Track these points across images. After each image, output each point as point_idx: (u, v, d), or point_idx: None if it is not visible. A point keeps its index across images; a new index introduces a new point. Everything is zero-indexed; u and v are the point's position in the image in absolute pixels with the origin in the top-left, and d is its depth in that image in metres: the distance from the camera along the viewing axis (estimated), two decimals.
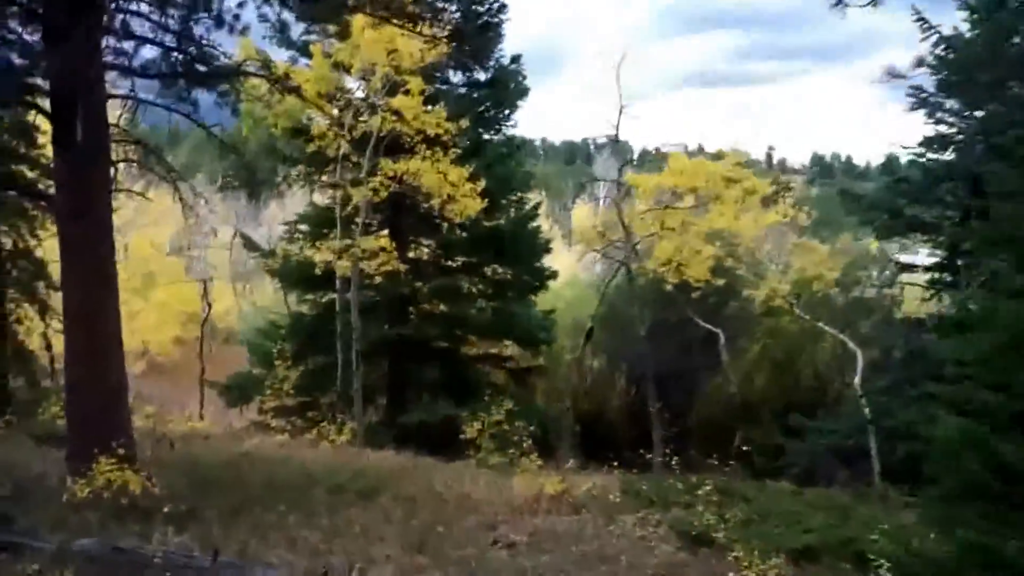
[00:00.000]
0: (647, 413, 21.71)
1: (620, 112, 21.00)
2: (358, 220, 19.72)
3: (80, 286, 11.28)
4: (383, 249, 19.59)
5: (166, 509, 9.31)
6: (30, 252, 18.40)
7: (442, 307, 22.61)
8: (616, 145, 21.66)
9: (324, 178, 22.64)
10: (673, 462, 15.67)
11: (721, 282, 21.77)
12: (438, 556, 9.31)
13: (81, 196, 11.14)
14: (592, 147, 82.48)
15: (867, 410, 16.75)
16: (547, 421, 20.42)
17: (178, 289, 43.34)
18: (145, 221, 43.72)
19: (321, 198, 24.72)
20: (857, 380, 17.49)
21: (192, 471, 11.89)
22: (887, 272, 24.37)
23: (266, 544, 8.90)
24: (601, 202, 68.21)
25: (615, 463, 16.54)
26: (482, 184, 19.24)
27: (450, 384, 22.17)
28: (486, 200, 19.53)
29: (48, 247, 18.70)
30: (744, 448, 18.77)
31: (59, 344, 25.48)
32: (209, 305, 33.84)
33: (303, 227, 23.35)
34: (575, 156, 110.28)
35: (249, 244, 26.79)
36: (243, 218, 50.91)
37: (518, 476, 13.75)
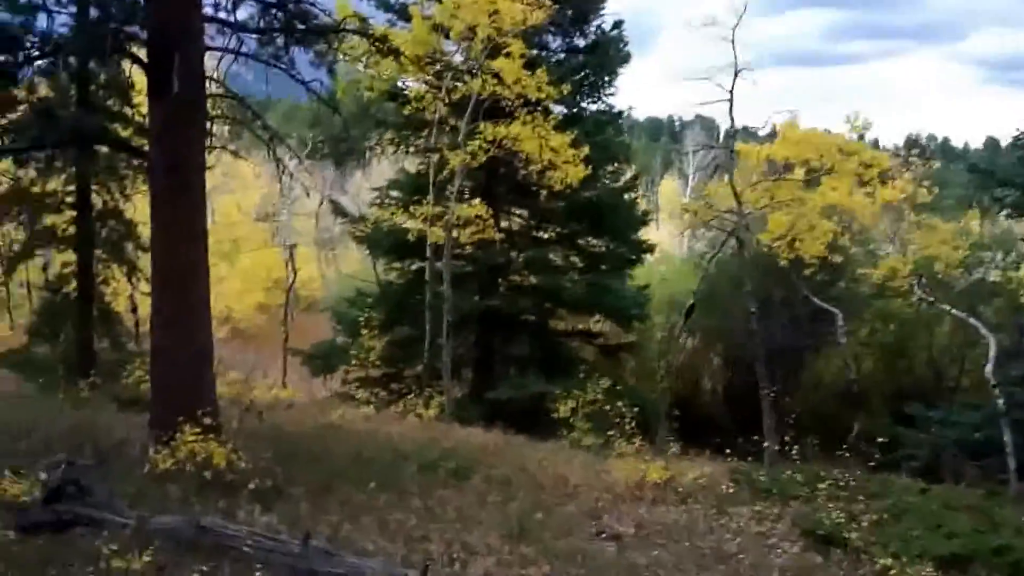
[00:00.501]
0: (746, 396, 20.48)
1: (735, 77, 19.66)
2: (452, 187, 18.94)
3: (170, 243, 10.75)
4: (479, 216, 18.77)
5: (252, 485, 8.68)
6: (120, 212, 18.11)
7: (533, 279, 21.79)
8: (729, 113, 20.23)
9: (419, 143, 21.97)
10: (787, 450, 14.49)
11: (838, 259, 20.33)
12: (540, 547, 8.46)
13: (175, 150, 10.62)
14: (678, 124, 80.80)
15: (1000, 401, 15.25)
16: (644, 402, 19.39)
17: (263, 255, 43.56)
18: (233, 186, 43.99)
19: (413, 164, 24.07)
20: (989, 368, 15.95)
21: (277, 443, 11.28)
22: (1013, 253, 22.55)
23: (357, 526, 8.19)
24: (690, 178, 66.54)
25: (715, 449, 15.52)
26: (584, 151, 18.25)
27: (539, 360, 21.35)
28: (589, 168, 18.53)
29: (138, 207, 18.50)
30: (857, 437, 17.43)
31: (144, 307, 25.68)
32: (295, 271, 33.61)
33: (394, 193, 22.72)
34: (660, 133, 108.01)
35: (338, 210, 26.39)
36: (329, 186, 50.90)
37: (615, 460, 12.88)
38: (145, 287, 20.04)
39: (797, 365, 22.91)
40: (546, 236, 22.83)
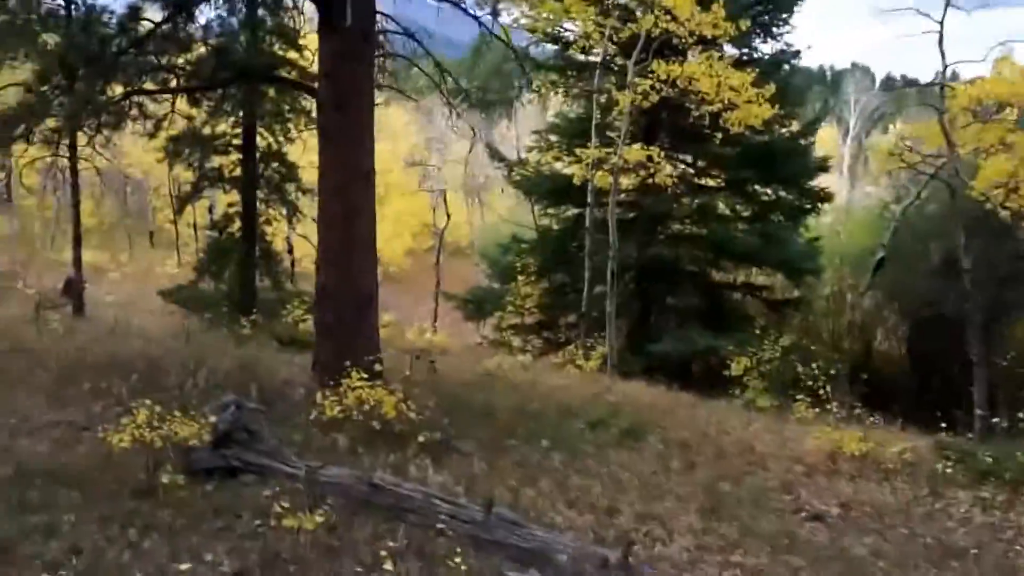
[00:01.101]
0: (934, 360, 18.62)
1: (946, 7, 17.66)
2: (618, 130, 17.81)
3: (338, 182, 10.28)
4: (650, 159, 17.58)
5: (421, 438, 8.08)
6: (283, 154, 18.04)
7: (694, 228, 20.49)
8: (939, 46, 18.16)
9: (581, 84, 20.93)
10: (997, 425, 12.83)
11: None
12: (739, 525, 7.49)
13: (345, 86, 10.14)
14: (829, 73, 76.46)
15: None
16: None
17: (413, 200, 43.73)
18: (386, 133, 44.13)
19: (570, 109, 23.06)
20: None
21: (439, 391, 10.72)
22: None
23: (538, 492, 7.44)
24: (851, 128, 62.90)
25: (896, 418, 13.96)
26: (770, 89, 16.72)
27: (701, 312, 20.15)
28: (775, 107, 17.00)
29: (299, 150, 18.37)
30: None
31: (300, 248, 25.88)
32: (448, 216, 33.38)
33: (553, 137, 21.80)
34: (812, 82, 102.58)
35: (495, 154, 25.68)
36: (479, 134, 50.57)
37: (798, 425, 11.67)
38: (303, 228, 20.08)
39: (1002, 329, 20.55)
40: (712, 184, 21.38)
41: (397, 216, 42.59)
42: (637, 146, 18.23)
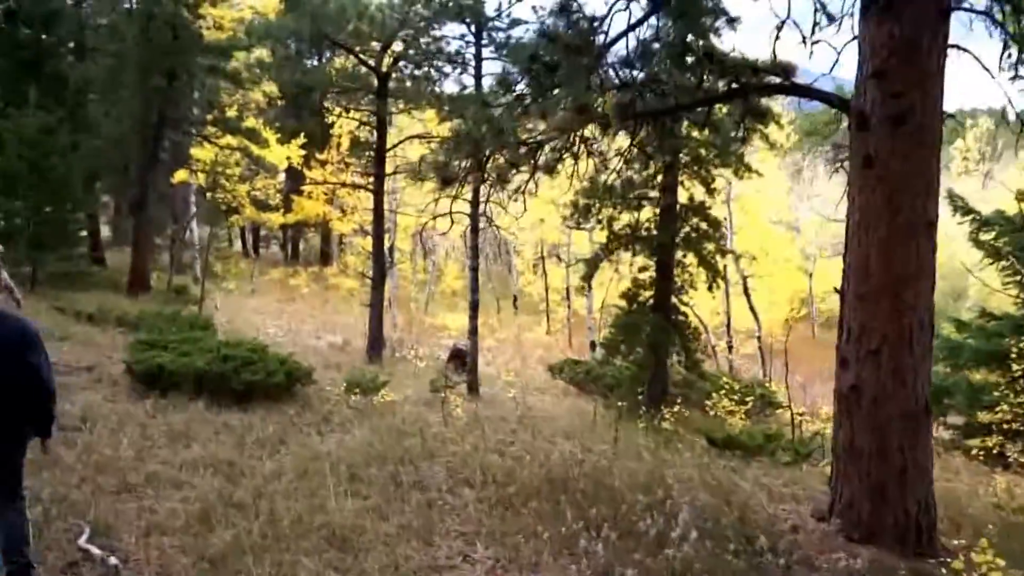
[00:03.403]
0: None
1: None
2: None
3: (888, 233, 6.76)
4: None
5: None
6: (705, 207, 15.00)
7: None
8: None
9: None
10: None
11: None
12: None
13: (908, 88, 6.61)
14: None
15: None
16: None
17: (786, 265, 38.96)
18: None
19: None
20: None
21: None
22: None
23: None
24: None
25: None
26: None
27: None
28: None
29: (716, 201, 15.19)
30: None
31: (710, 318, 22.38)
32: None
33: None
34: None
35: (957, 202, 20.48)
36: None
37: None
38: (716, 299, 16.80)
39: None
40: None
41: (773, 282, 38.28)
42: None
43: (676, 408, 13.22)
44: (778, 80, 7.04)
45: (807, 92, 7.11)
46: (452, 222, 13.15)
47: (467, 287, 42.98)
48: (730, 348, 28.54)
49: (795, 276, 42.14)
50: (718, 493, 8.13)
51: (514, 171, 7.02)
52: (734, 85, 7.35)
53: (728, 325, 28.83)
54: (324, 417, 10.41)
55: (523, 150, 6.72)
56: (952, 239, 21.12)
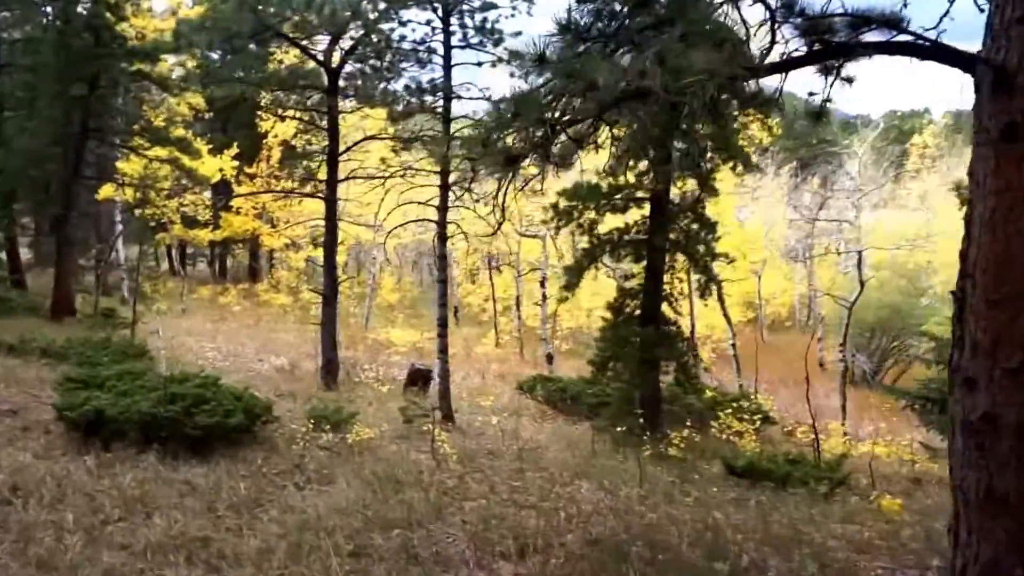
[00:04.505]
0: None
1: None
2: None
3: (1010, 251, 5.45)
4: None
5: None
6: (700, 206, 13.69)
7: None
8: None
9: None
10: None
11: None
12: None
13: None
14: None
15: None
16: None
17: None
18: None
19: None
20: None
21: None
22: None
23: None
24: None
25: None
26: None
27: None
28: None
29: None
30: None
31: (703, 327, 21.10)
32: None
33: None
34: None
35: None
36: None
37: None
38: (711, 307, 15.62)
39: None
40: None
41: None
42: None
43: (685, 432, 11.84)
44: (882, 36, 5.65)
45: (922, 51, 5.74)
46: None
47: (401, 300, 41.31)
48: (695, 356, 27.39)
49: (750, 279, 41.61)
50: (792, 545, 6.75)
51: (578, 151, 5.50)
52: (816, 46, 5.90)
53: (692, 332, 27.73)
54: (296, 464, 8.71)
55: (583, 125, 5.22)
56: None
